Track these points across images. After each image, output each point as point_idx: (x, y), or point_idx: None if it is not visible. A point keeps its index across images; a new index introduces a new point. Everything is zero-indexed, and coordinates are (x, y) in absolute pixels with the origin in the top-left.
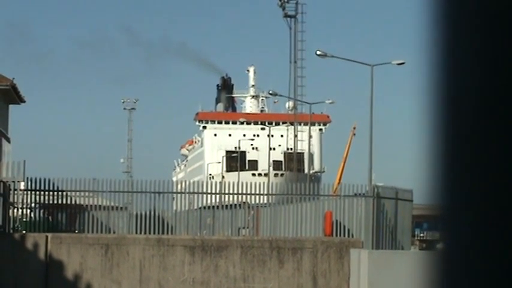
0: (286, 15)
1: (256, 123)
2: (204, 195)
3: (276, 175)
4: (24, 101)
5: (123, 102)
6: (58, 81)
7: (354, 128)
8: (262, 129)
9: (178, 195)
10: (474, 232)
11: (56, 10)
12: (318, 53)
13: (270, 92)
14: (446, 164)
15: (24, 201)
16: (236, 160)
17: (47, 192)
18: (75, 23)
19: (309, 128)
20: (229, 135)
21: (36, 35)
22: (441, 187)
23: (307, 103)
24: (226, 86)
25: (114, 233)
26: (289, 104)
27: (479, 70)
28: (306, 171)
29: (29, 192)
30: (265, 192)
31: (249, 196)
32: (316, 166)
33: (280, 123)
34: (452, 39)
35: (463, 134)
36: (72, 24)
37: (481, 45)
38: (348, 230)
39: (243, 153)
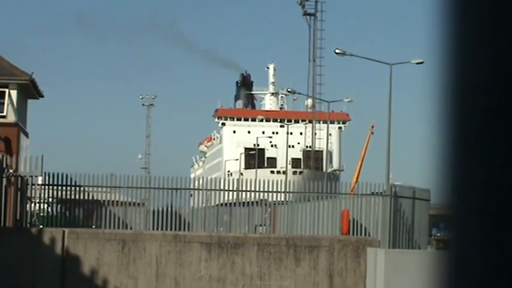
0: (305, 13)
1: (275, 120)
2: (222, 192)
3: (294, 173)
4: (43, 96)
5: (141, 98)
6: (71, 75)
7: (372, 127)
8: (281, 126)
9: (196, 191)
10: (484, 230)
11: None
12: (337, 51)
13: (289, 89)
14: (456, 162)
15: (42, 196)
16: (255, 157)
17: (64, 188)
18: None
19: (327, 126)
20: (248, 132)
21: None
22: (451, 186)
23: (326, 101)
24: (245, 83)
25: (131, 228)
26: (308, 101)
27: (491, 69)
28: (325, 169)
29: (46, 187)
30: (283, 190)
31: (266, 194)
32: (335, 164)
33: (300, 121)
34: (465, 37)
35: (473, 133)
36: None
37: (492, 43)
38: (365, 229)
39: (262, 150)
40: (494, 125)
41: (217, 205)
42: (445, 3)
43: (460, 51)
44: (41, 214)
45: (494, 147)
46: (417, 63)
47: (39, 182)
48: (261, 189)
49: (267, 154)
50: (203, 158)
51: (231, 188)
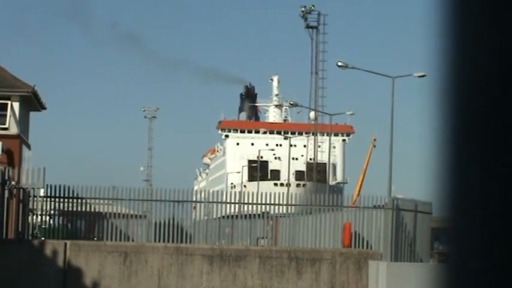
0: (308, 26)
1: (278, 133)
2: (224, 205)
3: (298, 185)
4: (45, 108)
5: (143, 110)
6: (75, 87)
7: (374, 140)
8: (285, 138)
9: (198, 204)
10: (484, 243)
11: None
12: (339, 64)
13: (291, 102)
14: (456, 175)
15: (44, 208)
16: (258, 170)
17: (66, 200)
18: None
19: (330, 139)
20: (252, 144)
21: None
22: (451, 199)
23: (328, 114)
24: (249, 95)
25: (132, 241)
26: (312, 114)
27: (492, 80)
28: (328, 181)
29: (48, 199)
30: (285, 203)
31: (269, 206)
32: (339, 177)
33: (303, 133)
34: (465, 45)
35: (473, 145)
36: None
37: (491, 49)
38: (367, 242)
39: (265, 162)
40: (495, 138)
41: (219, 217)
42: (445, 13)
43: (461, 61)
44: (43, 226)
45: (494, 160)
46: (419, 76)
47: (41, 194)
48: (263, 202)
49: (271, 166)
50: (207, 170)
51: (233, 201)
